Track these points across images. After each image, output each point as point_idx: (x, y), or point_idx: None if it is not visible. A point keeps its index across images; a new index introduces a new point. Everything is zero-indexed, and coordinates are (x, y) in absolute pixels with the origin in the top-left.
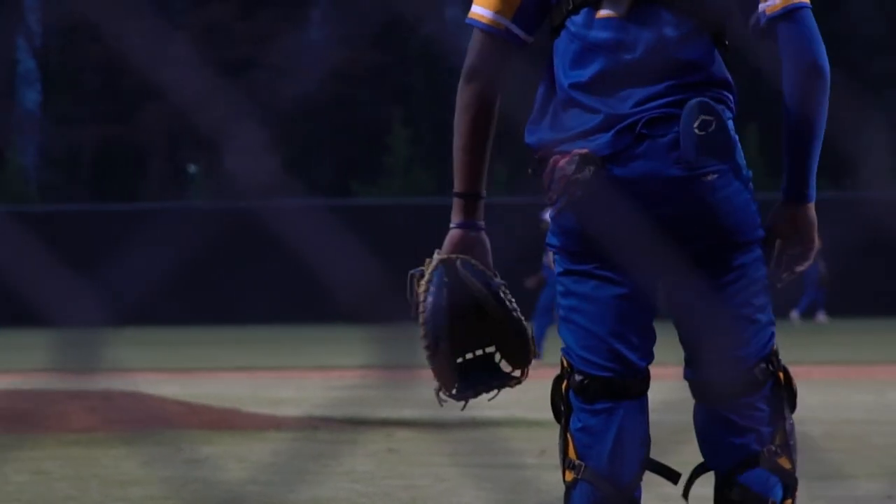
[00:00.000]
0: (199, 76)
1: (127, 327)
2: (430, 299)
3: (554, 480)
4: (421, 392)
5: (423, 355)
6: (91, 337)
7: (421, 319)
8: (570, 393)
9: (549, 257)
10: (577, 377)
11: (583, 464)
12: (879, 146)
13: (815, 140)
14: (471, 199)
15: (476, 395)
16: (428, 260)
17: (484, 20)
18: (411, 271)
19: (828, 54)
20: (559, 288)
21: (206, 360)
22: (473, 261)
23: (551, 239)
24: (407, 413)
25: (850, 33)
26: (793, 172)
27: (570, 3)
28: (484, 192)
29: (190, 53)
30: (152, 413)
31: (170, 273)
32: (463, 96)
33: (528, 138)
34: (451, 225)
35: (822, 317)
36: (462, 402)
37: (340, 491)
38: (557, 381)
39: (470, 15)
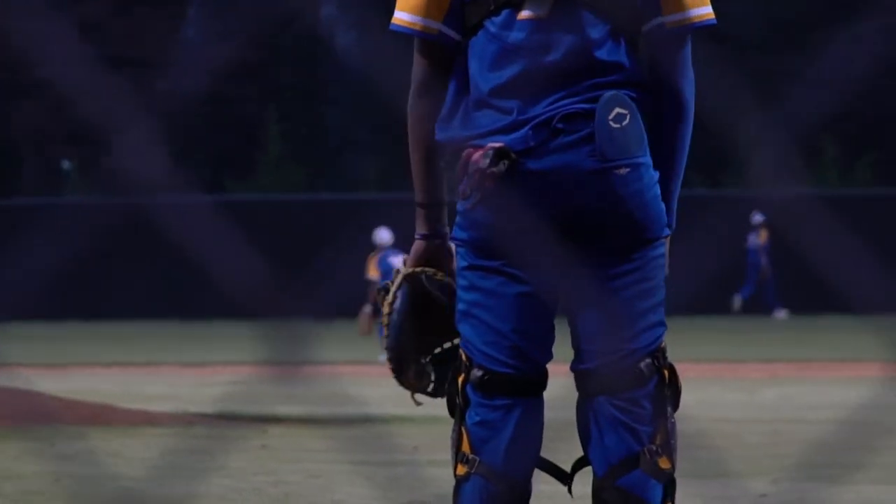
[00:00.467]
0: (76, 72)
1: (3, 323)
2: (394, 317)
3: (427, 476)
4: (296, 388)
5: (301, 352)
6: None
7: (385, 336)
8: (469, 387)
9: None
10: (478, 372)
11: (477, 458)
12: (768, 144)
13: (679, 171)
14: (433, 209)
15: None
16: (397, 270)
17: (417, 27)
18: (378, 286)
19: (711, 51)
20: (461, 282)
21: (81, 355)
22: (437, 273)
23: (459, 233)
24: (281, 409)
25: (729, 31)
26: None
27: (492, 3)
28: (445, 198)
29: (66, 49)
30: (26, 408)
31: (46, 269)
32: (416, 110)
33: (439, 135)
34: (416, 236)
35: (780, 313)
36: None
37: (213, 487)
38: (454, 375)
39: (395, 21)
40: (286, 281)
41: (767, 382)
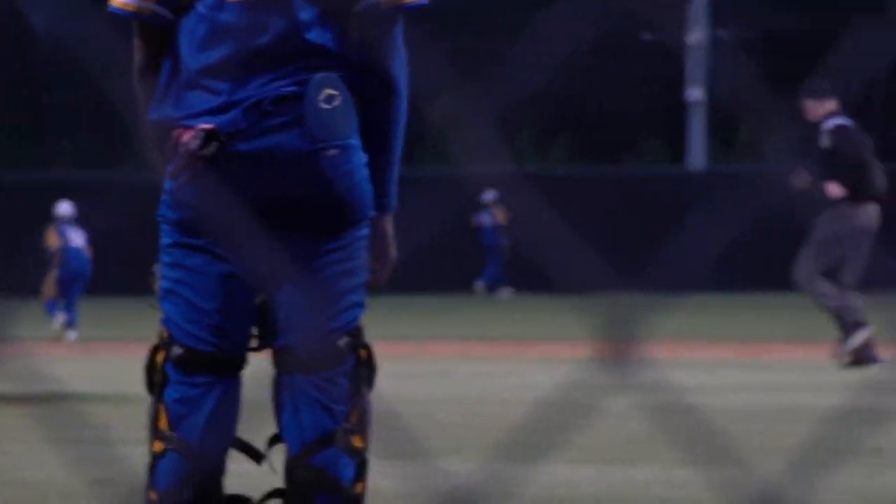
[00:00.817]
0: None
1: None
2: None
3: (118, 454)
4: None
5: (13, 329)
6: None
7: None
8: (169, 364)
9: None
10: (178, 349)
11: (174, 434)
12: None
13: (394, 152)
14: None
15: None
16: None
17: (130, 8)
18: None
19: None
20: (166, 259)
21: None
22: None
23: (165, 211)
24: None
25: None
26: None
27: None
28: None
29: None
30: None
31: None
32: (139, 93)
33: (152, 115)
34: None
35: (505, 292)
36: None
37: None
38: (153, 352)
39: (112, 2)
40: None
41: (460, 361)
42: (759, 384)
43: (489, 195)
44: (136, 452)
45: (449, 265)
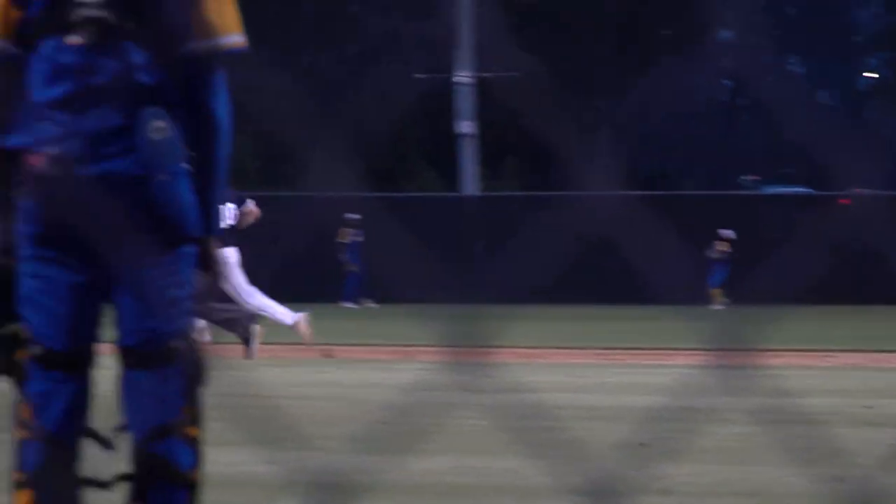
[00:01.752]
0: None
1: None
2: None
3: None
4: None
5: None
6: None
7: None
8: (29, 362)
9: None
10: (37, 348)
11: (36, 423)
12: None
13: (217, 180)
14: (1, 207)
15: None
16: None
17: None
18: None
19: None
20: (25, 269)
21: None
22: (7, 260)
23: (23, 227)
24: None
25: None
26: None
27: (44, 28)
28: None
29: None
30: None
31: None
32: None
33: (6, 142)
34: None
35: (369, 302)
36: None
37: None
38: (12, 350)
39: None
40: None
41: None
42: (601, 386)
43: (352, 216)
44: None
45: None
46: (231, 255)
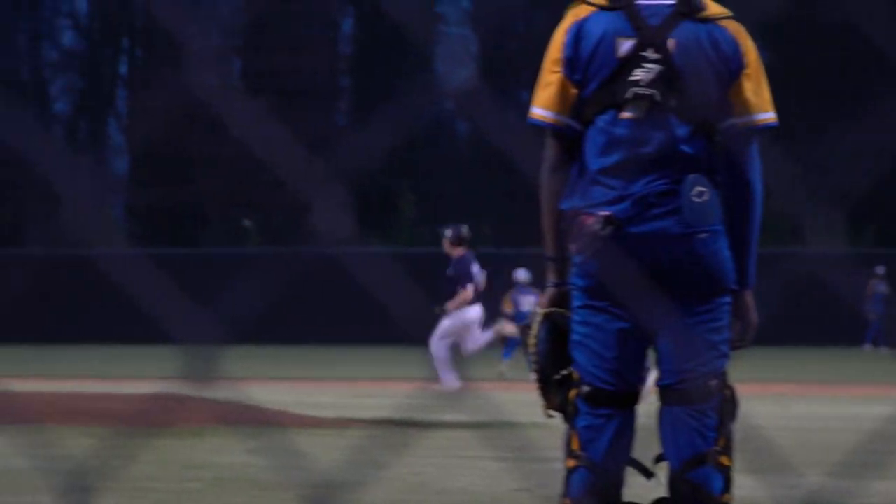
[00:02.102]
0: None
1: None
2: (539, 346)
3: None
4: (456, 400)
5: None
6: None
7: (533, 359)
8: (579, 399)
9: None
10: (586, 388)
11: (584, 454)
12: None
13: (751, 239)
14: (561, 263)
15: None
16: (534, 312)
17: (549, 120)
18: (521, 323)
19: None
20: (576, 318)
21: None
22: (566, 312)
23: (575, 280)
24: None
25: None
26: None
27: (600, 105)
28: (568, 254)
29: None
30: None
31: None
32: (550, 185)
33: (564, 204)
34: (549, 284)
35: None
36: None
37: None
38: (569, 391)
39: (532, 115)
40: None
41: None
42: None
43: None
44: (551, 468)
45: None
46: (476, 313)
